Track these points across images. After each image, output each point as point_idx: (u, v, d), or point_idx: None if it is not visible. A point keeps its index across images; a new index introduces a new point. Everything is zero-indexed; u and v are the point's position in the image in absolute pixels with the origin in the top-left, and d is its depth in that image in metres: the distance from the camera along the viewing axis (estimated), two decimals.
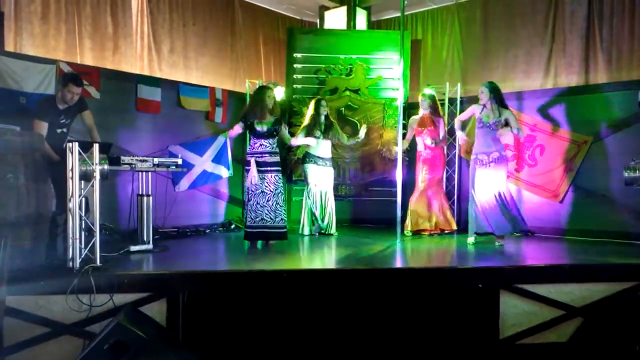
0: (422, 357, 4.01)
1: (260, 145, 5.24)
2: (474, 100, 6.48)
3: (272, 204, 5.20)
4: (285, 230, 5.31)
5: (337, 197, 6.74)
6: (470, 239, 5.52)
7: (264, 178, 5.19)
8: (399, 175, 5.69)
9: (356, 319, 3.98)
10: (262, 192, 5.18)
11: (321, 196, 6.19)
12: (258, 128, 5.22)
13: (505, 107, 5.48)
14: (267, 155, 5.22)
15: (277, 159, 5.31)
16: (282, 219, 5.25)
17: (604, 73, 6.57)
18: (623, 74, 6.39)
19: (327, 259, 5.12)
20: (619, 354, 3.78)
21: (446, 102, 6.99)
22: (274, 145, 5.29)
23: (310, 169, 6.19)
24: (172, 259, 4.76)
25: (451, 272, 4.30)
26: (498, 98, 5.43)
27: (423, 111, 6.30)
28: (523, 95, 6.70)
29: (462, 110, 6.90)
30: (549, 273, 4.23)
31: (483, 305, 4.05)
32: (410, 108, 6.85)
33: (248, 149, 5.38)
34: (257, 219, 5.18)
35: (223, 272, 4.09)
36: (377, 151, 7.15)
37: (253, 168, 5.17)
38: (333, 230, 6.22)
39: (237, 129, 5.39)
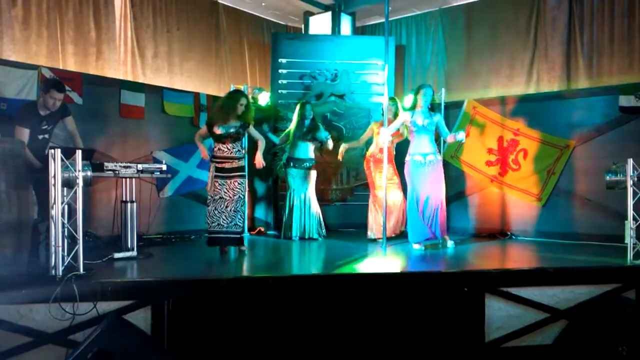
0: None
1: (219, 149, 5.05)
2: (459, 104, 6.56)
3: (230, 210, 5.03)
4: (239, 236, 5.17)
5: (323, 202, 6.73)
6: (417, 246, 5.48)
7: (224, 184, 5.02)
8: (384, 180, 5.70)
9: (342, 324, 3.98)
10: (220, 197, 5.02)
11: (301, 200, 6.18)
12: (217, 131, 5.02)
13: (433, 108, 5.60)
14: (227, 161, 5.04)
15: (239, 164, 5.09)
16: (236, 224, 5.10)
17: (585, 78, 6.67)
18: (604, 79, 6.50)
19: (312, 264, 5.12)
20: (602, 356, 3.82)
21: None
22: (234, 150, 5.06)
23: (290, 173, 6.23)
24: (157, 265, 4.72)
25: (437, 276, 4.31)
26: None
27: (389, 117, 6.19)
28: (506, 100, 6.77)
29: (447, 116, 6.96)
30: (534, 276, 4.27)
31: (468, 308, 4.07)
32: None
33: (210, 154, 5.23)
34: (214, 224, 5.04)
35: (208, 279, 4.06)
36: (363, 156, 7.15)
37: (210, 175, 5.07)
38: (315, 234, 6.19)
39: (203, 131, 5.20)
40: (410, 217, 5.55)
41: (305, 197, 6.20)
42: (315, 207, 6.26)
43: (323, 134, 6.27)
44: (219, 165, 5.05)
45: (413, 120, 5.51)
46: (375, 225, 6.16)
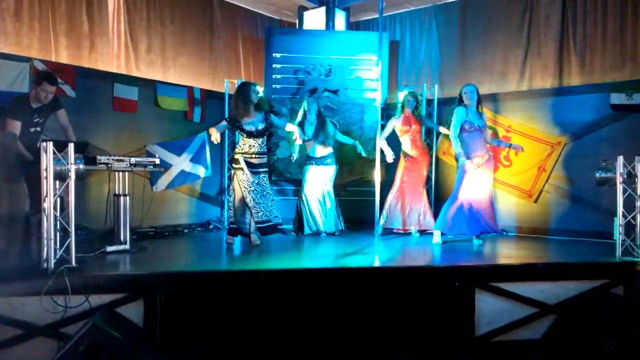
0: (399, 355, 4.05)
1: (250, 146, 5.21)
2: (451, 101, 6.56)
3: (264, 201, 5.23)
4: (281, 224, 5.38)
5: None
6: (437, 239, 5.53)
7: (257, 177, 5.21)
8: (377, 176, 5.73)
9: (334, 317, 4.00)
10: (254, 190, 5.18)
11: (318, 198, 6.19)
12: (247, 128, 5.17)
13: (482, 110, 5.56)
14: (256, 156, 5.22)
15: (264, 159, 5.32)
16: (268, 214, 5.27)
17: (578, 75, 6.71)
18: (596, 77, 6.53)
19: (305, 258, 5.13)
20: (590, 351, 3.86)
21: (424, 103, 7.06)
22: (262, 145, 5.27)
23: (310, 170, 6.22)
24: (150, 259, 4.73)
25: (428, 270, 4.35)
26: (479, 100, 5.49)
27: (408, 110, 6.30)
28: (499, 97, 6.81)
29: (440, 112, 7.01)
30: (524, 271, 4.32)
31: (459, 303, 4.11)
32: (388, 109, 6.89)
33: (237, 149, 5.33)
34: (260, 214, 5.20)
35: (201, 273, 4.07)
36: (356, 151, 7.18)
37: (244, 166, 5.16)
38: (335, 228, 6.22)
39: (220, 128, 5.24)
40: (446, 210, 5.46)
41: (323, 193, 6.20)
42: (333, 203, 6.26)
43: (343, 138, 6.37)
44: (249, 160, 5.21)
45: (469, 121, 5.37)
46: (390, 216, 6.24)
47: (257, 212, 5.19)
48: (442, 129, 6.25)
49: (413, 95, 6.34)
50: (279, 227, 5.32)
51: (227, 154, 7.00)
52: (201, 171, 6.77)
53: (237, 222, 5.32)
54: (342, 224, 6.38)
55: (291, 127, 5.52)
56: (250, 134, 5.18)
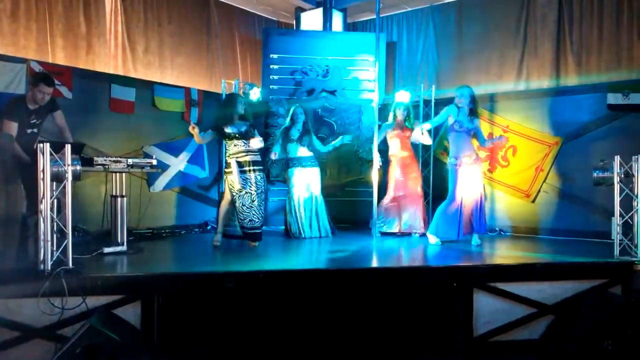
0: (398, 356, 4.05)
1: (235, 145, 5.21)
2: (448, 102, 6.57)
3: (256, 204, 5.19)
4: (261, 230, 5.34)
5: None
6: (433, 240, 5.54)
7: (247, 179, 5.15)
8: (374, 177, 5.74)
9: (332, 318, 4.00)
10: (247, 192, 5.15)
11: (306, 200, 6.14)
12: (227, 130, 5.18)
13: (477, 115, 5.55)
14: (244, 154, 5.19)
15: (257, 157, 5.28)
16: (261, 218, 5.27)
17: (574, 76, 6.73)
18: (592, 77, 6.55)
19: (303, 259, 5.12)
20: (588, 351, 3.87)
21: (421, 103, 7.07)
22: (249, 144, 5.23)
23: (295, 174, 6.14)
24: (147, 260, 4.71)
25: (426, 271, 4.35)
26: (474, 104, 5.47)
27: (399, 118, 6.32)
28: (496, 97, 6.82)
29: (437, 113, 6.98)
30: (522, 271, 4.32)
31: (457, 303, 4.11)
32: (385, 110, 6.89)
33: (226, 153, 5.33)
34: (246, 221, 5.17)
35: (199, 274, 4.05)
36: (354, 152, 7.18)
37: (234, 169, 5.13)
38: (323, 233, 6.17)
39: (206, 137, 5.32)
40: (442, 212, 5.46)
41: (312, 197, 6.15)
42: (322, 208, 6.22)
43: (317, 144, 6.29)
44: (240, 160, 5.17)
45: (460, 121, 5.41)
46: (389, 219, 6.24)
47: (245, 218, 5.17)
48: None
49: (405, 105, 6.35)
50: (260, 232, 5.30)
51: (225, 154, 6.98)
52: (198, 172, 6.77)
53: (225, 224, 5.33)
54: (331, 228, 6.27)
55: (257, 144, 5.35)
56: (232, 136, 5.18)
